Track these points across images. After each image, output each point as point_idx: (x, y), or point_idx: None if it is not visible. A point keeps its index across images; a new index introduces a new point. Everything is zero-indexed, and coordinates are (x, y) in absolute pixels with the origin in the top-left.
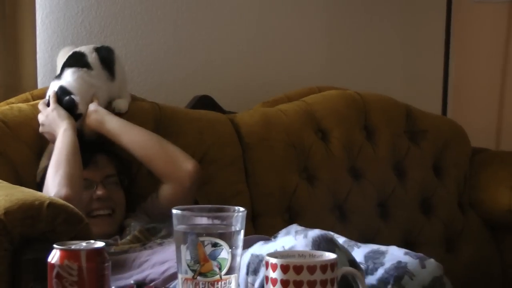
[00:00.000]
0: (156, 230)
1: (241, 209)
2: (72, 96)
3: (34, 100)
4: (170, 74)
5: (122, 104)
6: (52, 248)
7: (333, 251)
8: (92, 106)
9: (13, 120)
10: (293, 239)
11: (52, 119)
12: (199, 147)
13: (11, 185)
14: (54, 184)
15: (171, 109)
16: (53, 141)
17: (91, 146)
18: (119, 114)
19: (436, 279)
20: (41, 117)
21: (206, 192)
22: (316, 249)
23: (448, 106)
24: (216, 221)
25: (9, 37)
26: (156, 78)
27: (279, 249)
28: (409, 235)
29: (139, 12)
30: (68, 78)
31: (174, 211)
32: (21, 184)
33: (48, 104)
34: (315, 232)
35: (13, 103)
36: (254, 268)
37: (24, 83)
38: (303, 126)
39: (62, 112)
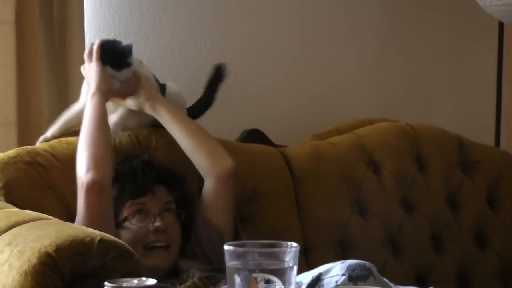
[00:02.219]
0: (216, 279)
1: (294, 244)
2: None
3: None
4: (219, 107)
5: (172, 86)
6: (104, 285)
7: (366, 278)
8: (148, 93)
9: (62, 152)
10: (331, 263)
11: (88, 76)
12: (250, 180)
13: (61, 221)
14: (82, 167)
15: (222, 142)
16: None
17: (150, 175)
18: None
19: None
20: (82, 71)
21: (257, 225)
22: (349, 273)
23: (501, 137)
24: (269, 257)
25: (59, 72)
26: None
27: (316, 272)
28: (464, 269)
29: (187, 46)
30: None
31: (226, 247)
32: (71, 217)
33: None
34: (354, 260)
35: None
36: None
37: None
38: (354, 158)
39: (98, 69)
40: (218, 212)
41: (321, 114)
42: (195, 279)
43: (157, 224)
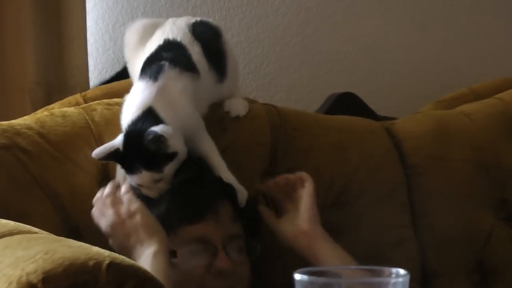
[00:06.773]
0: None
1: (401, 271)
2: (156, 129)
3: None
4: (295, 63)
5: (240, 105)
6: None
7: None
8: (306, 225)
9: (55, 130)
10: None
11: (133, 229)
12: (340, 171)
13: (52, 236)
14: None
15: (297, 114)
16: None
17: (211, 190)
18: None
19: None
20: (108, 219)
21: (351, 240)
22: None
23: None
24: None
25: (51, 15)
26: (274, 69)
27: None
28: None
29: None
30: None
31: (297, 276)
32: (72, 229)
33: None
34: None
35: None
36: None
37: (71, 79)
38: (499, 137)
39: (152, 219)
40: None
41: (447, 72)
42: None
43: (222, 263)
